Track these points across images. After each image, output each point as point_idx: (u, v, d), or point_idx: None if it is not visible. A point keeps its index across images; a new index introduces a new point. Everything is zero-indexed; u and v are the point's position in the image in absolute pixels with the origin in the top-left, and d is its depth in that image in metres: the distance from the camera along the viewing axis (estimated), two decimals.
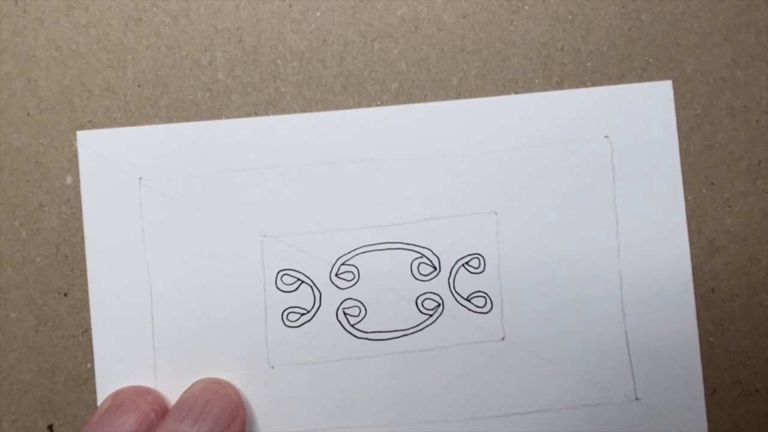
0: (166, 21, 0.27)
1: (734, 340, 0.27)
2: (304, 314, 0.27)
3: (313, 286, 0.27)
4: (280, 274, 0.27)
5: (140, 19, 0.27)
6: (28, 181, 0.27)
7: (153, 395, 0.25)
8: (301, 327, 0.27)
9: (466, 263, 0.27)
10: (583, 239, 0.27)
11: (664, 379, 0.27)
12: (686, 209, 0.27)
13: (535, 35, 0.27)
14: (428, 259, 0.27)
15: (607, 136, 0.27)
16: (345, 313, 0.27)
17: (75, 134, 0.27)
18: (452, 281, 0.27)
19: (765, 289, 0.27)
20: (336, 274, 0.27)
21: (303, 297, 0.27)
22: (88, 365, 0.27)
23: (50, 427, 0.27)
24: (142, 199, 0.27)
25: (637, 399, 0.27)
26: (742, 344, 0.27)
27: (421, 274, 0.27)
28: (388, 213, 0.27)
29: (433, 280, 0.27)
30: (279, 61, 0.27)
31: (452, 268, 0.27)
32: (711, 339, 0.27)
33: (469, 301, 0.27)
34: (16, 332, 0.27)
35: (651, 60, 0.27)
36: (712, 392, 0.27)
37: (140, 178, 0.27)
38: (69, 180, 0.27)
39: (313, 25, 0.27)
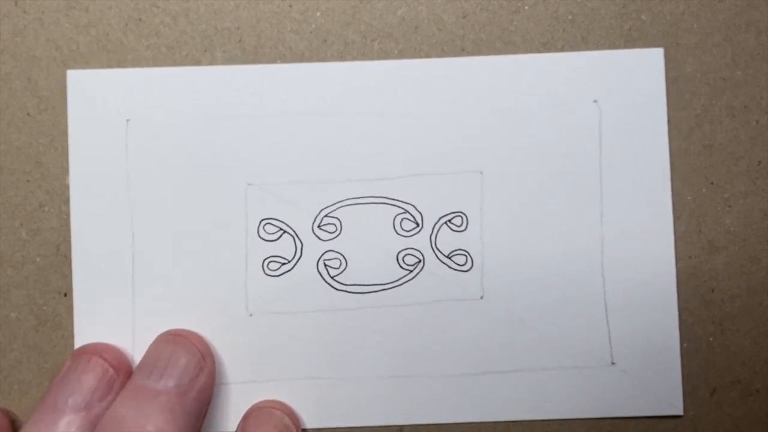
0: (166, 21, 0.27)
1: (734, 340, 0.27)
2: (284, 264, 0.27)
3: (295, 236, 0.27)
4: (263, 223, 0.27)
5: (140, 19, 0.27)
6: (28, 181, 0.27)
7: (111, 351, 0.25)
8: (281, 276, 0.27)
9: (449, 221, 0.27)
10: (566, 202, 0.27)
11: (640, 345, 0.27)
12: (686, 209, 0.27)
13: (535, 35, 0.27)
14: (411, 215, 0.27)
15: (595, 101, 0.27)
16: (326, 265, 0.27)
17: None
18: (434, 238, 0.27)
19: (765, 289, 0.27)
20: (318, 226, 0.27)
21: (284, 247, 0.27)
22: None
23: None
24: (128, 142, 0.26)
25: (612, 363, 0.27)
26: (742, 344, 0.27)
27: (403, 229, 0.27)
28: (373, 167, 0.27)
29: (415, 236, 0.27)
30: (279, 61, 0.27)
31: (435, 225, 0.27)
32: (711, 339, 0.27)
33: (449, 258, 0.27)
34: (16, 332, 0.27)
35: None
36: (712, 392, 0.27)
37: (128, 120, 0.26)
38: (69, 180, 0.27)
39: (313, 25, 0.27)
